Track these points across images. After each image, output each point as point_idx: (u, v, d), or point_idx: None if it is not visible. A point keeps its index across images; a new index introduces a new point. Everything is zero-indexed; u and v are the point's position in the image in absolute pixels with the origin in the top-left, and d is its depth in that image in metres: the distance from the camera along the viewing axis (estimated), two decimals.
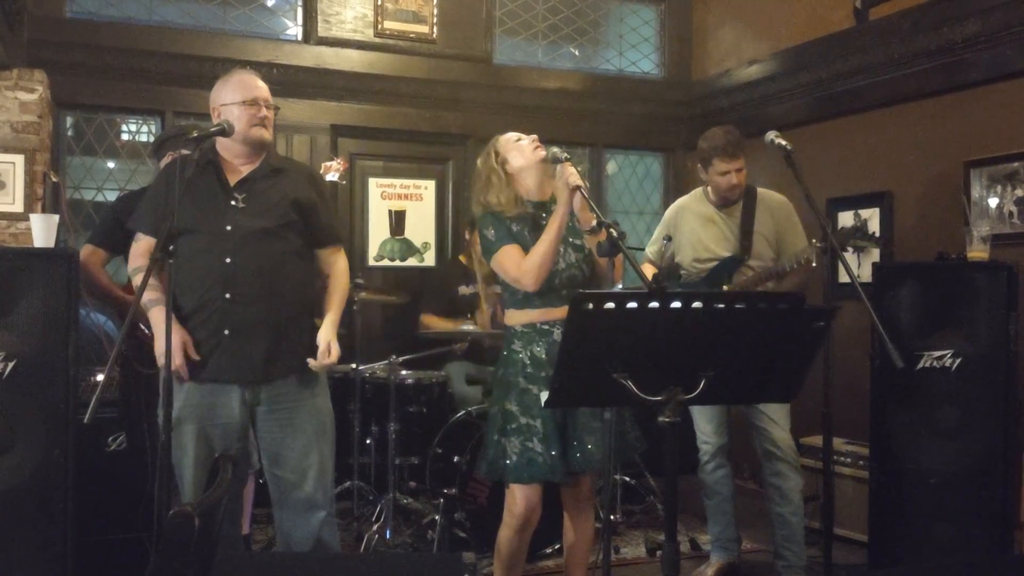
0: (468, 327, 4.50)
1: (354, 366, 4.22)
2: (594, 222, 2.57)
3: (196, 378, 2.72)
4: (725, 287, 3.61)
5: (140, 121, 5.19)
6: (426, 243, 5.66)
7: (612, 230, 2.42)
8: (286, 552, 2.88)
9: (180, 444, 2.71)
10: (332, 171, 4.09)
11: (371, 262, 5.51)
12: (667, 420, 2.01)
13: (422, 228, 5.66)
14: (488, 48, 5.75)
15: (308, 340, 2.84)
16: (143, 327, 3.29)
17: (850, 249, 3.50)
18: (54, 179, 4.39)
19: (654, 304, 1.91)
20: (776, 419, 3.54)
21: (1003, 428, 3.16)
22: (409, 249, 5.63)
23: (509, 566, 2.92)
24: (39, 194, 4.40)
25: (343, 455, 3.74)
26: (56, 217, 2.83)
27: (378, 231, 5.56)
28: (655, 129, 6.20)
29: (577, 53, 6.09)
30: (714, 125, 3.87)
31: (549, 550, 3.92)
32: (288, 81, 5.15)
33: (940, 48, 4.35)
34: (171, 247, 2.44)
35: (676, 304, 1.93)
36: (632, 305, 1.91)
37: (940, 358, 3.24)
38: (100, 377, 2.85)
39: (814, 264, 3.40)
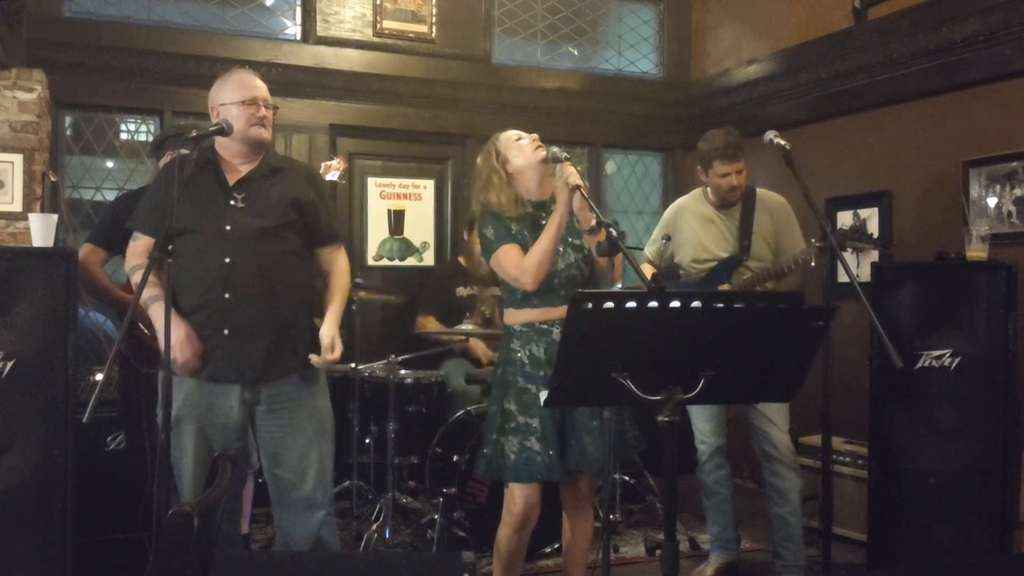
0: (467, 327, 4.51)
1: (353, 366, 4.22)
2: (593, 222, 2.57)
3: (196, 377, 2.71)
4: (726, 286, 3.61)
5: (139, 121, 5.19)
6: (425, 243, 5.66)
7: (611, 230, 2.43)
8: (285, 551, 2.88)
9: (179, 444, 2.71)
10: (332, 171, 4.08)
11: (370, 262, 5.51)
12: (666, 419, 2.01)
13: (421, 228, 5.66)
14: (487, 48, 5.75)
15: (308, 340, 2.83)
16: (142, 327, 3.29)
17: (849, 250, 3.50)
18: (53, 179, 4.39)
19: (653, 304, 1.91)
20: (774, 420, 3.54)
21: (1002, 428, 3.16)
22: (408, 249, 5.63)
23: (508, 565, 2.92)
24: (38, 194, 4.40)
25: (342, 454, 3.74)
26: (55, 217, 2.83)
27: (377, 231, 5.56)
28: (654, 129, 6.20)
29: (576, 53, 6.09)
30: (713, 125, 3.87)
31: (548, 549, 3.92)
32: (287, 80, 5.15)
33: (939, 48, 4.35)
34: (170, 247, 2.44)
35: (675, 304, 1.93)
36: (631, 305, 1.91)
37: (939, 358, 3.25)
38: (99, 376, 2.85)
39: (813, 264, 3.41)
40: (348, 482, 4.34)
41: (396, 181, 5.61)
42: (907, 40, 4.50)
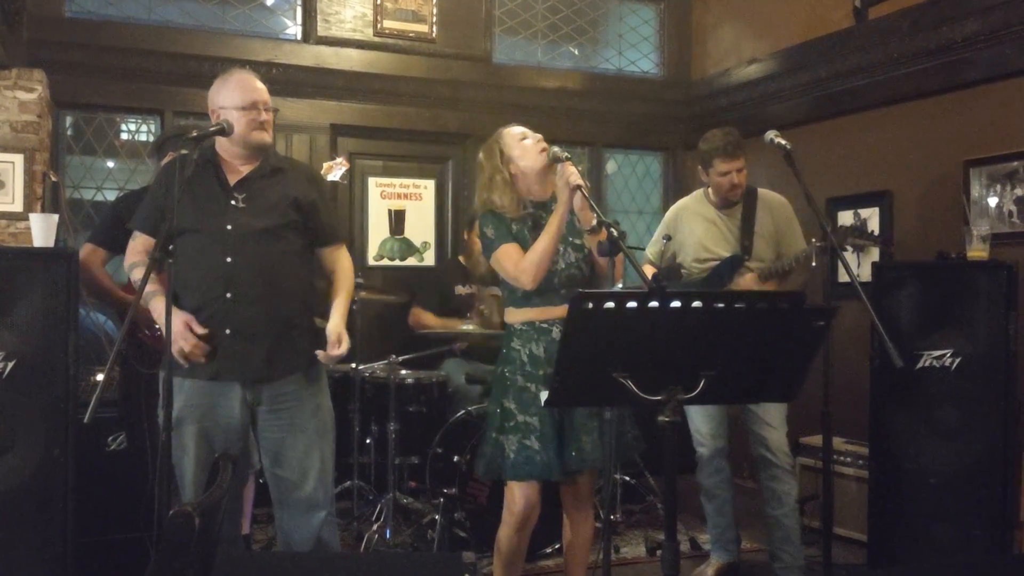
0: (466, 327, 4.50)
1: (354, 366, 4.22)
2: (594, 222, 2.58)
3: (197, 377, 2.71)
4: (749, 280, 3.60)
5: (139, 121, 5.19)
6: (426, 242, 5.66)
7: (612, 229, 2.43)
8: (286, 552, 2.88)
9: (180, 444, 2.71)
10: (334, 170, 4.08)
11: (371, 262, 5.51)
12: (667, 420, 2.01)
13: (422, 227, 5.66)
14: (487, 47, 5.75)
15: (309, 340, 2.83)
16: (143, 327, 3.29)
17: (849, 248, 3.50)
18: (53, 179, 4.39)
19: (654, 304, 1.91)
20: (772, 422, 3.54)
21: (1003, 428, 3.16)
22: (409, 248, 5.63)
23: (509, 565, 2.92)
24: (38, 194, 4.40)
25: (343, 455, 3.74)
26: (55, 217, 2.83)
27: (378, 230, 5.56)
28: (655, 128, 6.20)
29: (576, 52, 6.09)
30: (714, 125, 3.87)
31: (549, 550, 3.92)
32: (288, 80, 5.15)
33: (940, 47, 4.35)
34: (170, 247, 2.44)
35: (676, 304, 1.93)
36: (632, 305, 1.91)
37: (940, 357, 3.25)
38: (100, 377, 2.85)
39: (814, 263, 3.41)
40: (349, 482, 4.34)
41: (397, 181, 5.61)
42: (908, 40, 4.50)
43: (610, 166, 6.26)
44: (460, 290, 4.88)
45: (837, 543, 3.76)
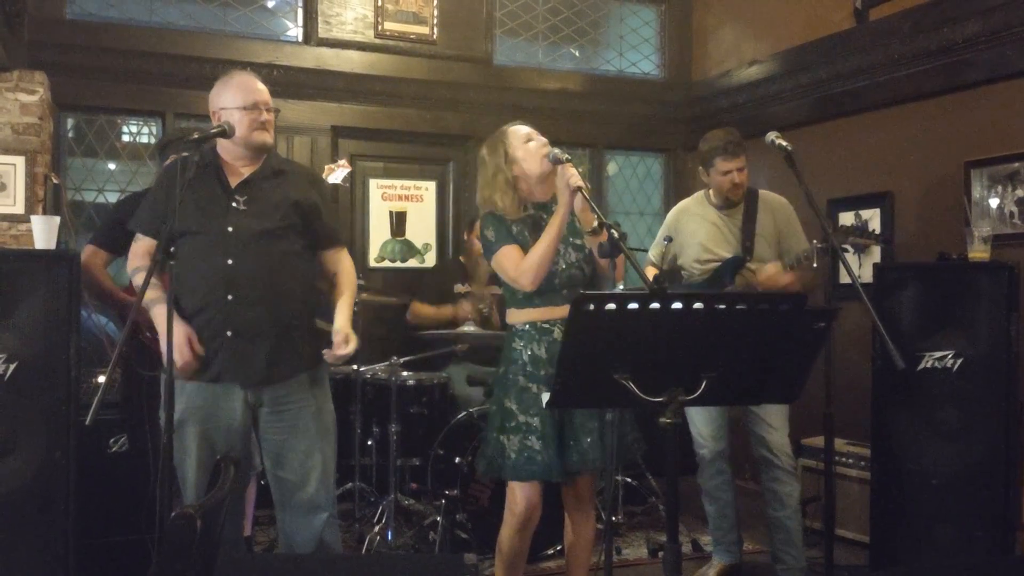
0: (468, 328, 4.50)
1: (355, 367, 4.22)
2: (595, 223, 2.58)
3: (198, 379, 2.71)
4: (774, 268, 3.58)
5: (141, 123, 5.19)
6: (427, 244, 5.66)
7: (613, 231, 2.43)
8: (288, 554, 2.88)
9: (182, 446, 2.71)
10: (335, 172, 4.08)
11: (372, 263, 5.51)
12: (668, 421, 2.01)
13: (423, 229, 5.66)
14: (488, 49, 5.75)
15: (310, 342, 2.83)
16: (145, 329, 3.29)
17: (850, 249, 3.50)
18: (55, 181, 4.40)
19: (655, 305, 1.91)
20: (773, 424, 3.54)
21: (1004, 429, 3.16)
22: (410, 250, 5.63)
23: (510, 566, 2.92)
24: (40, 196, 4.40)
25: (344, 456, 3.74)
26: (57, 219, 2.83)
27: (379, 232, 5.57)
28: (655, 130, 6.20)
29: (577, 54, 6.09)
30: (714, 126, 3.87)
31: (551, 551, 3.92)
32: (289, 82, 5.15)
33: (940, 48, 4.35)
34: (171, 248, 2.44)
35: (677, 305, 1.93)
36: (633, 306, 1.91)
37: (941, 359, 3.24)
38: (102, 379, 2.85)
39: (815, 264, 3.40)
40: (350, 484, 4.34)
41: (398, 183, 5.62)
42: (908, 41, 4.50)
43: (611, 167, 6.26)
44: (459, 288, 4.88)
45: (839, 544, 3.75)
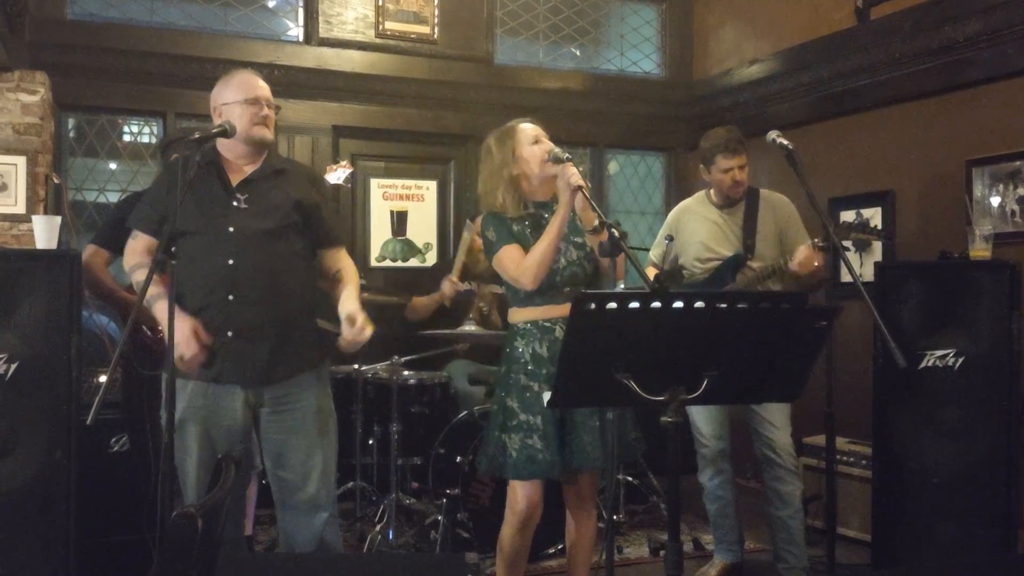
0: (468, 328, 4.50)
1: (356, 367, 4.21)
2: (596, 222, 2.57)
3: (199, 379, 2.71)
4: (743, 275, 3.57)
5: (142, 123, 5.20)
6: (428, 243, 5.66)
7: (614, 230, 2.43)
8: (289, 553, 2.88)
9: (183, 446, 2.71)
10: (336, 172, 4.08)
11: (373, 263, 5.51)
12: (670, 420, 2.01)
13: (424, 229, 5.67)
14: (489, 48, 5.75)
15: (311, 341, 2.84)
16: (146, 329, 3.29)
17: (852, 248, 3.49)
18: (56, 180, 4.40)
19: (656, 304, 1.91)
20: (775, 423, 3.53)
21: (1006, 427, 3.16)
22: (411, 250, 5.63)
23: (511, 564, 2.92)
24: (41, 195, 4.41)
25: (345, 456, 3.74)
26: (58, 219, 2.83)
27: (380, 232, 5.57)
28: (656, 129, 6.20)
29: (578, 53, 6.09)
30: (715, 125, 3.87)
31: (552, 550, 3.92)
32: (289, 82, 5.15)
33: (942, 47, 4.35)
34: (172, 248, 2.44)
35: (678, 304, 1.93)
36: (635, 305, 1.91)
37: (943, 357, 3.24)
38: (103, 378, 2.85)
39: (816, 264, 3.40)
40: (351, 483, 4.34)
41: (399, 182, 5.62)
42: (909, 40, 4.50)
43: (612, 167, 6.26)
44: (460, 286, 4.87)
45: (841, 543, 3.75)
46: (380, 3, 5.44)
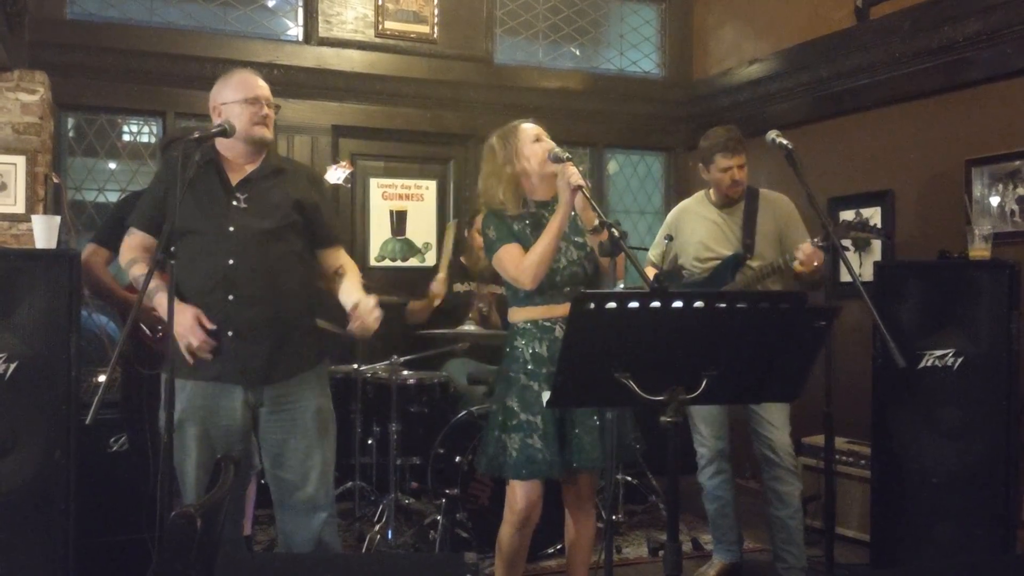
0: (468, 327, 4.50)
1: (355, 366, 4.21)
2: (596, 222, 2.58)
3: (198, 379, 2.71)
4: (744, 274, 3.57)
5: (141, 122, 5.19)
6: (427, 243, 5.66)
7: (613, 230, 2.43)
8: (287, 553, 2.88)
9: (182, 445, 2.70)
10: (335, 171, 4.08)
11: (372, 262, 5.51)
12: (669, 420, 2.01)
13: (423, 228, 5.67)
14: (489, 48, 5.75)
15: (311, 341, 2.84)
16: (145, 328, 3.29)
17: (851, 248, 3.49)
18: (55, 180, 4.40)
19: (656, 304, 1.91)
20: (775, 423, 3.53)
21: (1005, 427, 3.15)
22: (410, 249, 5.63)
23: (510, 564, 2.92)
24: (40, 195, 4.41)
25: (344, 456, 3.74)
26: (57, 218, 2.83)
27: (379, 231, 5.57)
28: (656, 129, 6.20)
29: (578, 53, 6.09)
30: (715, 124, 3.87)
31: (551, 550, 3.92)
32: (289, 82, 5.15)
33: (941, 47, 4.35)
34: (172, 248, 2.43)
35: (678, 304, 1.93)
36: (634, 305, 1.91)
37: (942, 357, 3.24)
38: (102, 378, 2.84)
39: (816, 264, 3.40)
40: (350, 483, 4.34)
41: (398, 182, 5.62)
42: (909, 39, 4.50)
43: (611, 166, 6.26)
44: (458, 287, 4.88)
45: (839, 543, 3.75)
46: (380, 3, 5.43)
